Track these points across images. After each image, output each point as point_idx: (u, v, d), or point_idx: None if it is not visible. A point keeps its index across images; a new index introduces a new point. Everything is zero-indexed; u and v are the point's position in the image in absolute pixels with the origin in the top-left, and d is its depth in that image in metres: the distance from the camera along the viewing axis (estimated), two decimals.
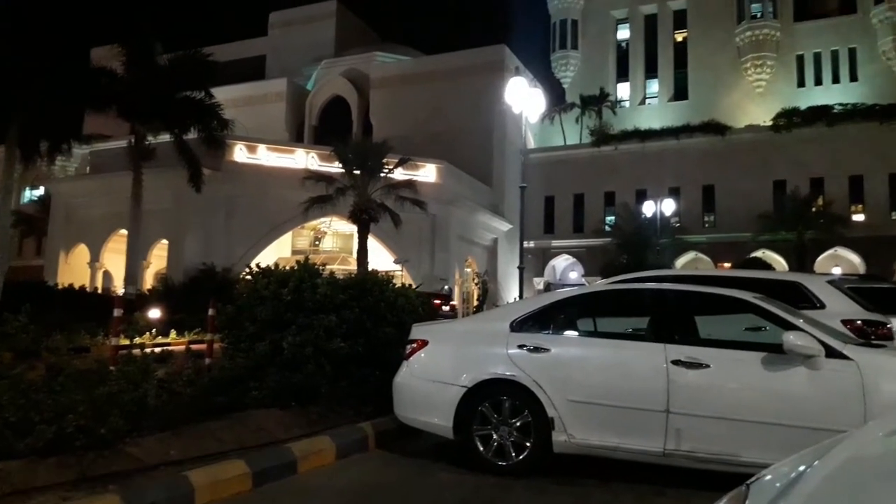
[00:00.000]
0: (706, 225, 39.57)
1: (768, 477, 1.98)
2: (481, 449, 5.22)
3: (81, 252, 29.61)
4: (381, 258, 27.42)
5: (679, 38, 47.27)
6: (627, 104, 47.92)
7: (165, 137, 22.67)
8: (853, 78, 41.81)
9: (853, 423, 3.88)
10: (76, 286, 21.26)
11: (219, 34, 49.77)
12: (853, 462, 1.89)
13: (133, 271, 21.86)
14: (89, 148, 32.80)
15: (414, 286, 9.14)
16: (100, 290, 25.84)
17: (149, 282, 27.55)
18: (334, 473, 5.20)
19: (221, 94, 25.92)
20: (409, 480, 5.10)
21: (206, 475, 4.35)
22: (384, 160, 24.84)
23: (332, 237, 33.66)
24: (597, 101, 45.41)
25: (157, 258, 28.58)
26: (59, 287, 21.58)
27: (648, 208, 34.91)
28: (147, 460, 4.49)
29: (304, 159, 29.34)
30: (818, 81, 42.69)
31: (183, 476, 4.25)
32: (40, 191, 44.94)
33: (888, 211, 36.03)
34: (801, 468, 1.89)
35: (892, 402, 4.25)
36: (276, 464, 4.90)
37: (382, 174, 24.81)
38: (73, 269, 28.55)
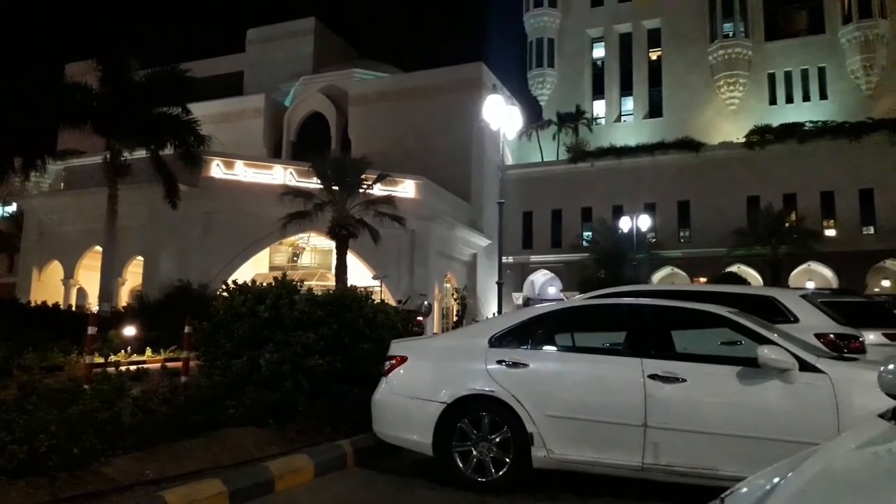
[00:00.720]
0: (682, 240, 40.00)
1: (744, 490, 2.00)
2: (461, 465, 5.20)
3: (55, 269, 29.15)
4: (359, 274, 27.32)
5: (653, 56, 48.02)
6: (603, 121, 48.47)
7: (141, 153, 22.47)
8: (823, 96, 42.72)
9: (827, 436, 3.94)
10: (50, 303, 20.89)
11: (196, 50, 49.59)
12: (826, 474, 1.91)
13: (108, 288, 21.57)
14: (63, 164, 32.50)
15: (395, 303, 9.12)
16: (74, 308, 25.41)
17: (124, 299, 27.16)
18: (313, 492, 5.15)
19: (199, 109, 25.78)
20: (388, 498, 5.07)
21: (182, 495, 4.29)
22: (363, 176, 24.81)
23: (311, 253, 33.47)
24: (573, 119, 45.90)
25: (133, 275, 28.21)
26: (33, 304, 21.21)
27: (625, 224, 35.22)
28: (122, 480, 4.42)
29: (283, 175, 29.23)
30: (789, 99, 43.56)
31: (158, 496, 4.19)
32: (13, 207, 44.24)
33: (859, 226, 36.72)
34: (776, 480, 1.92)
35: (865, 414, 4.31)
36: (253, 482, 4.85)
37: (361, 190, 24.78)
38: (47, 287, 28.07)
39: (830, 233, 36.94)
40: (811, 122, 38.49)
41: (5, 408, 4.76)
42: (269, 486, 4.97)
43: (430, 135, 39.14)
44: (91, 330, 7.69)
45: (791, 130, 38.23)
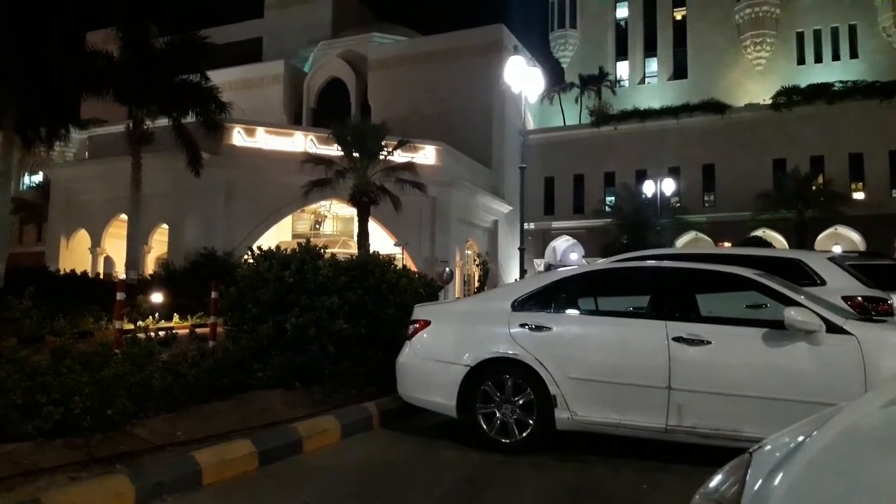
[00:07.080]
0: (706, 204, 39.51)
1: (768, 447, 2.00)
2: (485, 427, 5.26)
3: (82, 238, 29.59)
4: (381, 241, 27.38)
5: (678, 16, 46.92)
6: (627, 83, 47.66)
7: (163, 121, 22.57)
8: (853, 55, 41.57)
9: (853, 398, 3.91)
10: (78, 272, 21.24)
11: (215, 16, 49.38)
12: (850, 432, 1.91)
13: (134, 256, 21.87)
14: (87, 133, 32.73)
15: (415, 269, 9.16)
16: (101, 276, 25.84)
17: (150, 266, 27.55)
18: (340, 452, 5.25)
19: (218, 77, 25.79)
20: (413, 458, 5.15)
21: (213, 455, 4.40)
22: (383, 142, 24.72)
23: (333, 221, 33.60)
24: (596, 81, 45.17)
25: (158, 243, 28.56)
26: (61, 272, 21.59)
27: (648, 188, 34.81)
28: (154, 441, 4.53)
29: (303, 142, 29.21)
30: (818, 59, 42.45)
31: (189, 456, 4.30)
32: (39, 177, 44.85)
33: (888, 188, 35.96)
34: (801, 438, 1.92)
35: (892, 375, 4.27)
36: (281, 443, 4.95)
37: (381, 156, 24.71)
38: (75, 255, 28.53)
39: (858, 196, 36.23)
40: (841, 82, 37.48)
41: (40, 371, 4.88)
42: (298, 447, 5.07)
43: (451, 99, 38.76)
44: (120, 296, 7.80)
45: (820, 91, 37.30)
